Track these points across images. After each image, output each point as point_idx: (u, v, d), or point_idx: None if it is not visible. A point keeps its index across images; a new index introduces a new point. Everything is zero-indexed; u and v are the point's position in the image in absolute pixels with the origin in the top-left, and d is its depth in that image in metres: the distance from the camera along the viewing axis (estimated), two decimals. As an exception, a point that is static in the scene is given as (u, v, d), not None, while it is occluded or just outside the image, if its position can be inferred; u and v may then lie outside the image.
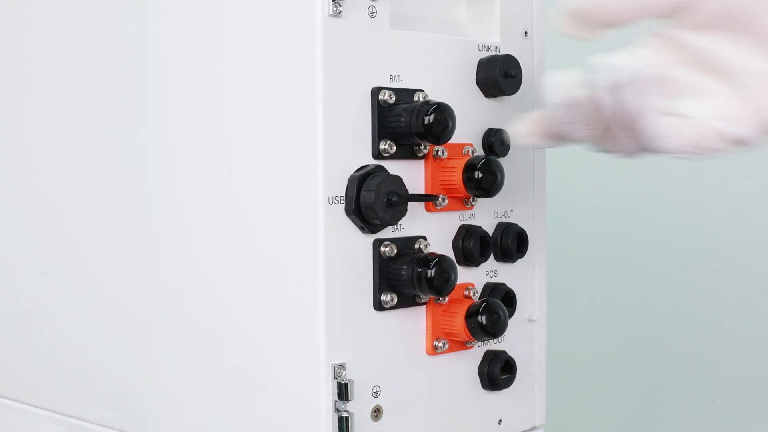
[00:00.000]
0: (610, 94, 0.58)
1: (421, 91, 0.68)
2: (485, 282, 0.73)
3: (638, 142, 0.59)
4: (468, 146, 0.71)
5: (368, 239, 0.66)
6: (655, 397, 1.44)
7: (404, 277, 0.66)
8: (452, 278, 0.66)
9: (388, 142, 0.66)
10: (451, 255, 0.70)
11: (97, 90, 0.79)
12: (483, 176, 0.68)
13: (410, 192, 0.66)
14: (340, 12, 0.63)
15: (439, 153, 0.69)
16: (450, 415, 0.71)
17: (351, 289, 0.65)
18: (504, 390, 0.73)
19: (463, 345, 0.71)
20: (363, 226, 0.65)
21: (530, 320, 0.76)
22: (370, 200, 0.64)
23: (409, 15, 0.70)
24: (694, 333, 1.40)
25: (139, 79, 0.75)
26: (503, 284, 0.73)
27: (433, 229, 0.69)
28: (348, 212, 0.64)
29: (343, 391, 0.63)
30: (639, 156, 0.61)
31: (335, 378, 0.64)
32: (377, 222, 0.65)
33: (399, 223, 0.67)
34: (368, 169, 0.65)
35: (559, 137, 0.63)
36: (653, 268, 1.42)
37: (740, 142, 0.58)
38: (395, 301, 0.67)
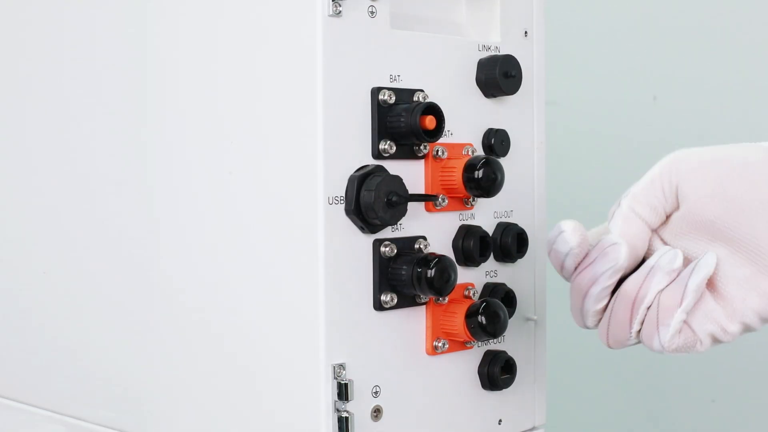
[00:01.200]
0: (643, 279, 0.63)
1: (421, 91, 0.68)
2: (485, 282, 0.73)
3: (635, 332, 0.64)
4: (468, 146, 0.71)
5: (368, 239, 0.66)
6: (655, 397, 1.44)
7: (404, 277, 0.66)
8: (452, 278, 0.66)
9: (388, 142, 0.66)
10: (451, 255, 0.70)
11: (97, 90, 0.79)
12: (483, 176, 0.68)
13: (410, 192, 0.66)
14: (340, 12, 0.63)
15: (439, 153, 0.69)
16: (450, 415, 0.71)
17: (351, 289, 0.65)
18: (504, 390, 0.73)
19: (463, 345, 0.71)
20: (363, 226, 0.65)
21: (530, 320, 0.76)
22: (370, 200, 0.64)
23: (409, 15, 0.70)
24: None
25: (139, 79, 0.75)
26: (503, 284, 0.73)
27: (433, 229, 0.69)
28: (348, 212, 0.64)
29: (343, 391, 0.63)
30: (621, 347, 0.66)
31: (335, 378, 0.64)
32: (377, 222, 0.65)
33: (399, 223, 0.67)
34: (368, 169, 0.65)
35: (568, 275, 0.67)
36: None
37: (720, 343, 0.64)
38: (395, 301, 0.67)
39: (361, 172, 0.64)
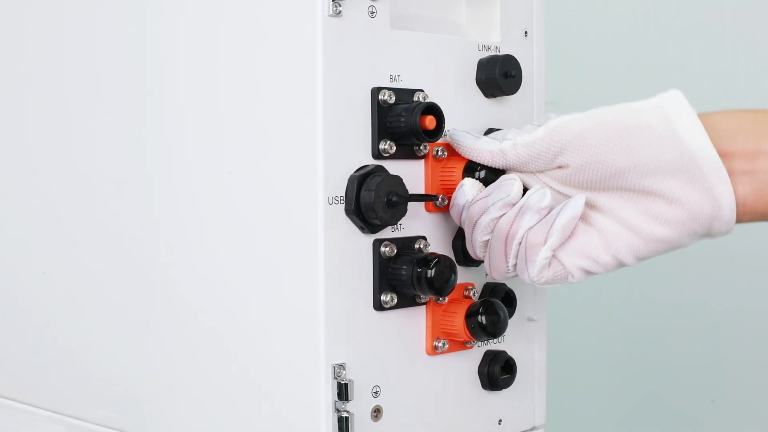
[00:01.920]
0: (514, 216, 0.65)
1: (421, 91, 0.68)
2: (485, 282, 0.73)
3: (512, 266, 0.66)
4: (468, 146, 0.71)
5: (368, 239, 0.66)
6: (655, 397, 1.45)
7: (404, 277, 0.66)
8: (452, 278, 0.66)
9: (388, 142, 0.66)
10: (451, 255, 0.70)
11: (97, 90, 0.79)
12: (485, 177, 0.68)
13: (410, 192, 0.66)
14: (340, 12, 0.63)
15: (439, 153, 0.69)
16: (450, 415, 0.71)
17: (351, 289, 0.65)
18: (504, 390, 0.73)
19: (463, 345, 0.71)
20: (363, 226, 0.65)
21: (530, 320, 0.76)
22: (370, 200, 0.64)
23: (409, 15, 0.70)
24: (694, 333, 1.40)
25: (139, 79, 0.75)
26: (503, 284, 0.73)
27: (433, 229, 0.69)
28: (348, 212, 0.64)
29: (343, 391, 0.63)
30: (502, 278, 0.68)
31: (335, 378, 0.64)
32: (377, 222, 0.65)
33: (399, 223, 0.67)
34: (368, 169, 0.65)
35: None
36: (653, 268, 1.42)
37: (592, 275, 0.66)
38: (395, 301, 0.67)
39: (361, 172, 0.64)
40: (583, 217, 0.66)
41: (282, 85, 0.65)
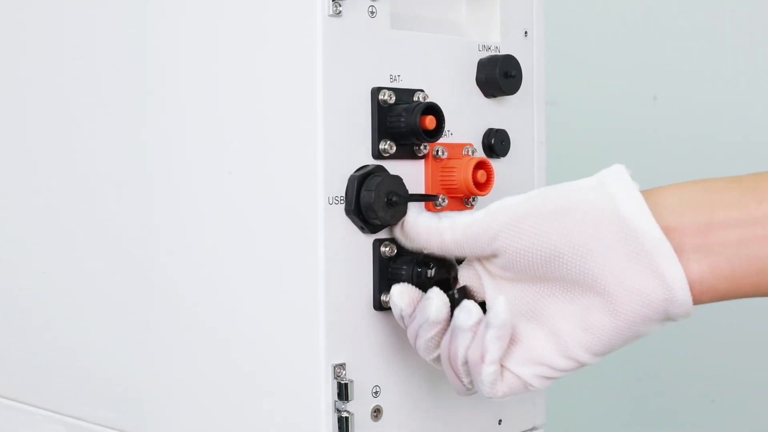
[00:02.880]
0: (449, 339, 0.62)
1: (421, 91, 0.68)
2: (485, 282, 0.73)
3: (468, 384, 0.63)
4: (468, 146, 0.71)
5: (368, 239, 0.66)
6: (655, 397, 1.45)
7: (404, 277, 0.66)
8: (452, 278, 0.66)
9: (388, 142, 0.66)
10: (451, 255, 0.70)
11: (97, 90, 0.79)
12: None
13: (410, 192, 0.66)
14: (340, 12, 0.63)
15: (439, 153, 0.69)
16: (450, 415, 0.71)
17: (351, 289, 0.65)
18: (504, 390, 0.73)
19: (463, 345, 0.71)
20: (363, 226, 0.65)
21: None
22: (370, 200, 0.64)
23: (409, 15, 0.70)
24: (694, 333, 1.40)
25: (139, 79, 0.75)
26: (503, 284, 0.73)
27: (433, 229, 0.69)
28: (348, 212, 0.64)
29: (343, 391, 0.63)
30: (468, 395, 0.65)
31: (335, 378, 0.64)
32: (377, 222, 0.65)
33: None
34: (368, 169, 0.65)
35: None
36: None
37: (554, 380, 0.62)
38: (395, 301, 0.66)
39: (361, 172, 0.64)
40: (530, 317, 0.62)
41: (282, 85, 0.65)
